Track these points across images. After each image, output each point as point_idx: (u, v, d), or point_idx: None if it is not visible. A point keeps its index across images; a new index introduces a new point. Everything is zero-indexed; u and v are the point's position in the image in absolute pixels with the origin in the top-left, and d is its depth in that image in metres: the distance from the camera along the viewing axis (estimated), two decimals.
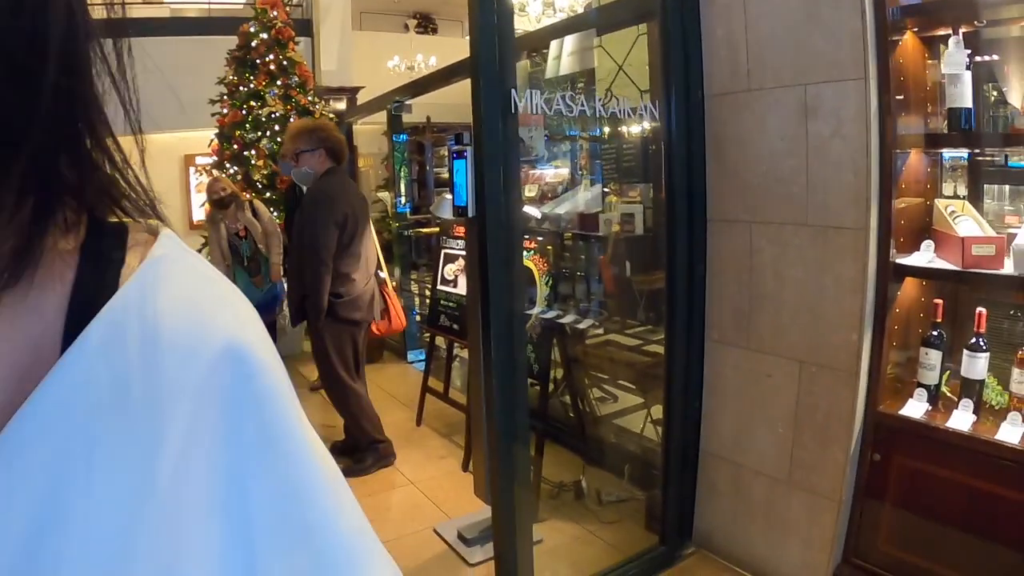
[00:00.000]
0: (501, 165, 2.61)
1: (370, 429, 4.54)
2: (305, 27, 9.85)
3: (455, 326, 4.83)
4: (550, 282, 3.97)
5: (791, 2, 2.81)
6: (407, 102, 6.67)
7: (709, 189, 3.18)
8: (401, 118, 6.92)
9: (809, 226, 2.84)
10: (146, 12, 10.89)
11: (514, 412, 2.76)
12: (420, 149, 10.75)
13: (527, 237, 4.22)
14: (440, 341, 5.47)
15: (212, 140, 7.79)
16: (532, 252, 4.09)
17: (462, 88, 6.17)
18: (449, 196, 3.80)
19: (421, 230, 7.67)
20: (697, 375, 3.32)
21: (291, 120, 7.34)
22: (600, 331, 4.20)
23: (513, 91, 2.61)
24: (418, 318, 7.34)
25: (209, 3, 10.71)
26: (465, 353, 5.20)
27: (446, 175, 11.78)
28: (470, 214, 2.99)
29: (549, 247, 4.22)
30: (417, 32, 16.06)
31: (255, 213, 5.89)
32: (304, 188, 5.63)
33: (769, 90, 2.92)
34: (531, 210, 4.13)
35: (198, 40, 8.95)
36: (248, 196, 6.37)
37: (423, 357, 6.84)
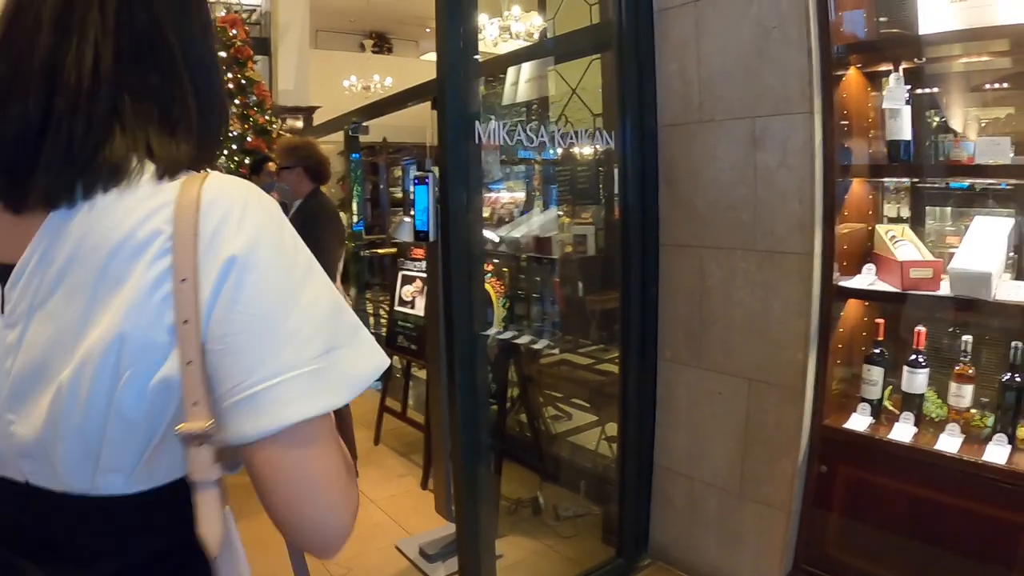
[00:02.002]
0: (464, 192, 2.70)
1: (350, 446, 4.62)
2: (263, 46, 9.86)
3: (413, 347, 4.90)
4: (507, 304, 4.05)
5: (742, 39, 2.96)
6: (364, 123, 6.73)
7: (662, 215, 3.31)
8: (358, 138, 6.98)
9: (757, 251, 2.98)
10: None
11: (477, 432, 2.84)
12: (374, 169, 10.80)
13: (484, 260, 4.31)
14: (397, 361, 5.54)
15: None
16: (490, 275, 4.18)
17: (418, 110, 6.28)
18: (408, 219, 3.90)
19: (377, 250, 7.71)
20: (650, 393, 3.44)
21: (248, 139, 7.38)
22: (555, 351, 4.29)
23: (477, 123, 2.72)
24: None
25: None
26: (422, 373, 5.28)
27: (400, 195, 11.89)
28: (431, 238, 3.08)
29: (505, 269, 4.31)
30: (373, 52, 16.10)
31: None
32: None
33: (720, 121, 3.06)
34: (488, 234, 4.23)
35: None
36: None
37: (378, 377, 6.89)
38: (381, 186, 11.02)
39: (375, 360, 0.88)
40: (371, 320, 7.60)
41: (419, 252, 4.93)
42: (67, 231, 0.79)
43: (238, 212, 0.81)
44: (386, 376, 5.36)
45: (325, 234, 4.22)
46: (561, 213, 4.69)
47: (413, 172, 12.45)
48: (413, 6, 14.56)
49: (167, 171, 0.82)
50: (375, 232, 9.49)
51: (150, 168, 0.82)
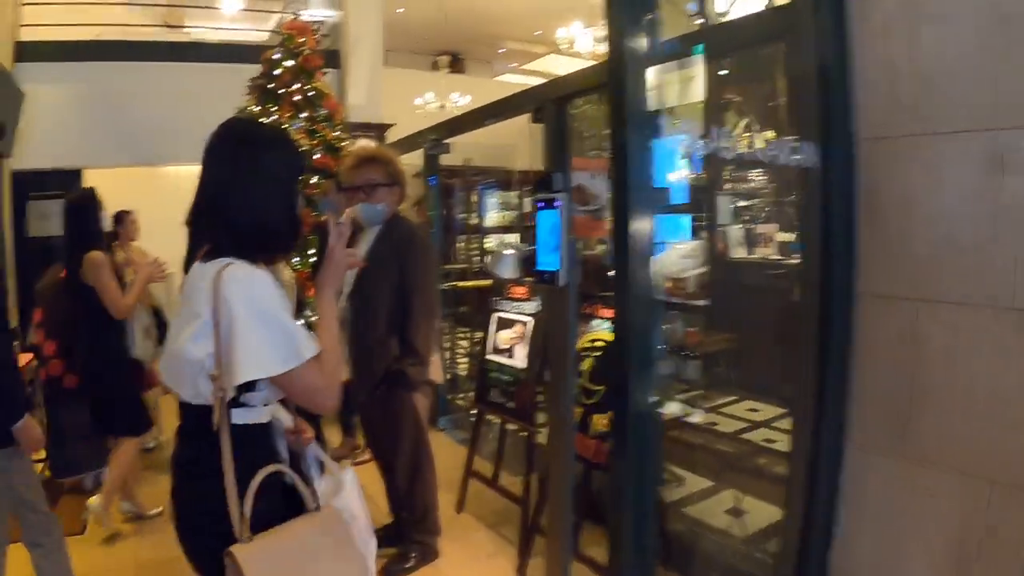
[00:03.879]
0: (650, 219, 2.00)
1: (434, 520, 3.87)
2: (333, 58, 9.30)
3: (510, 404, 4.15)
4: None
5: (975, 21, 2.21)
6: (445, 141, 6.07)
7: (859, 255, 2.53)
8: (438, 158, 6.31)
9: (999, 308, 2.20)
10: (167, 37, 10.46)
11: (648, 544, 2.13)
12: (448, 192, 10.24)
13: (597, 302, 3.58)
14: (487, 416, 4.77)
15: None
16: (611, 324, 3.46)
17: (505, 129, 5.65)
18: (510, 251, 3.20)
19: (457, 284, 7.00)
20: (832, 485, 2.66)
21: (316, 156, 6.75)
22: (694, 418, 3.53)
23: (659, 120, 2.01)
24: (448, 376, 6.69)
25: (232, 29, 10.23)
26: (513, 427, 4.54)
27: (475, 220, 11.26)
28: (561, 282, 2.36)
29: None
30: (448, 70, 15.64)
31: None
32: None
33: (946, 135, 2.29)
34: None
35: (221, 68, 8.43)
36: None
37: (447, 422, 6.28)
38: (459, 212, 10.43)
39: (272, 365, 1.77)
40: (447, 356, 6.86)
41: (519, 290, 4.21)
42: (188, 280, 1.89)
43: (234, 280, 1.75)
44: (475, 434, 4.59)
45: (426, 265, 3.53)
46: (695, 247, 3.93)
47: (510, 195, 11.92)
48: (486, 25, 14.13)
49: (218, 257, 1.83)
50: (449, 260, 8.92)
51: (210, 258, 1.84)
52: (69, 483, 5.00)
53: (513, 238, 11.45)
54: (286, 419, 2.05)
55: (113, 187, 4.77)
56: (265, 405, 1.90)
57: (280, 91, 6.88)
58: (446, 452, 5.38)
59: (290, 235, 1.98)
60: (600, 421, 3.37)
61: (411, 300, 3.45)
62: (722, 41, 3.01)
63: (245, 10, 10.39)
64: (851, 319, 2.55)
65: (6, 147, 7.64)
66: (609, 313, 3.46)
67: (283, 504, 1.92)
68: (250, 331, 1.73)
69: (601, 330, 3.47)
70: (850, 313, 2.55)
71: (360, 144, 6.94)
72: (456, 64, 16.17)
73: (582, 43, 8.02)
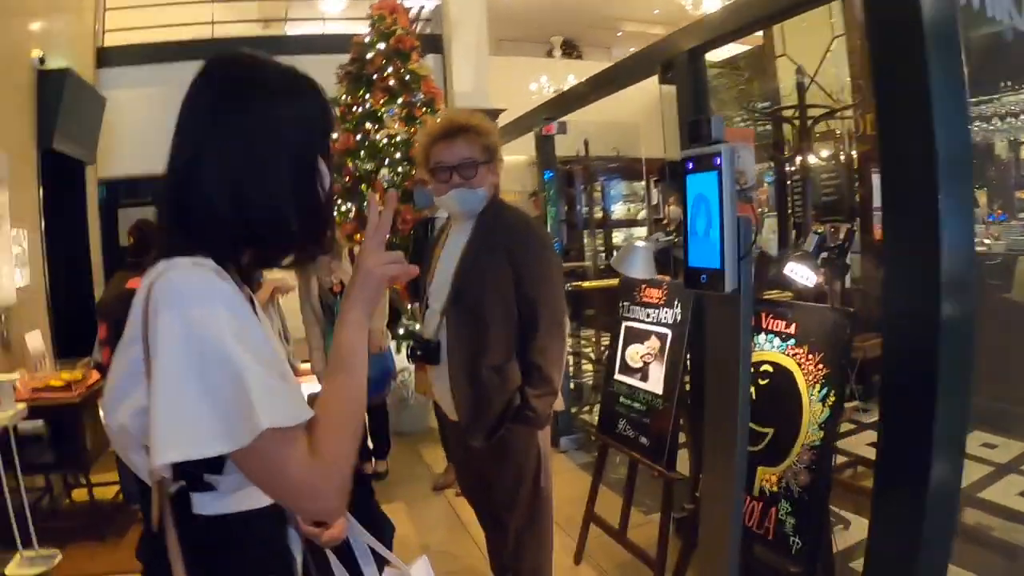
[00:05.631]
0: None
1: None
2: (434, 43, 8.78)
3: (644, 439, 3.28)
4: (829, 396, 2.35)
5: None
6: (561, 120, 5.25)
7: None
8: (553, 144, 5.51)
9: None
10: (262, 31, 10.19)
11: None
12: (569, 181, 9.56)
13: (769, 312, 2.68)
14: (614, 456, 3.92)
15: None
16: (789, 341, 2.57)
17: (628, 108, 4.78)
18: (642, 244, 2.41)
19: (581, 284, 6.25)
20: None
21: (414, 146, 6.13)
22: None
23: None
24: (571, 388, 5.95)
25: (334, 19, 9.78)
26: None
27: (599, 215, 10.42)
28: (728, 286, 1.55)
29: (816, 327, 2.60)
30: (563, 54, 15.01)
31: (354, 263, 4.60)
32: (432, 223, 4.51)
33: None
34: (801, 271, 2.56)
35: (314, 60, 7.87)
36: (346, 242, 5.12)
37: (570, 442, 5.65)
38: (579, 206, 9.73)
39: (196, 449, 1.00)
40: (570, 363, 6.12)
41: (654, 293, 3.35)
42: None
43: (165, 294, 1.03)
44: (598, 465, 3.72)
45: (548, 267, 2.69)
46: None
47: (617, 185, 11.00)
48: (602, 6, 13.37)
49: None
50: (571, 258, 8.18)
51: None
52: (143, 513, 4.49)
53: (642, 232, 10.63)
54: None
55: None
56: None
57: (373, 76, 6.32)
58: (567, 479, 4.61)
59: (306, 229, 1.21)
60: (767, 476, 2.50)
61: (534, 313, 2.59)
62: None
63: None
64: None
65: (88, 154, 7.34)
66: (781, 325, 2.56)
67: None
68: (177, 382, 1.01)
69: (770, 349, 2.59)
70: None
71: (443, 113, 6.18)
72: (572, 51, 15.44)
73: (709, 4, 7.27)
